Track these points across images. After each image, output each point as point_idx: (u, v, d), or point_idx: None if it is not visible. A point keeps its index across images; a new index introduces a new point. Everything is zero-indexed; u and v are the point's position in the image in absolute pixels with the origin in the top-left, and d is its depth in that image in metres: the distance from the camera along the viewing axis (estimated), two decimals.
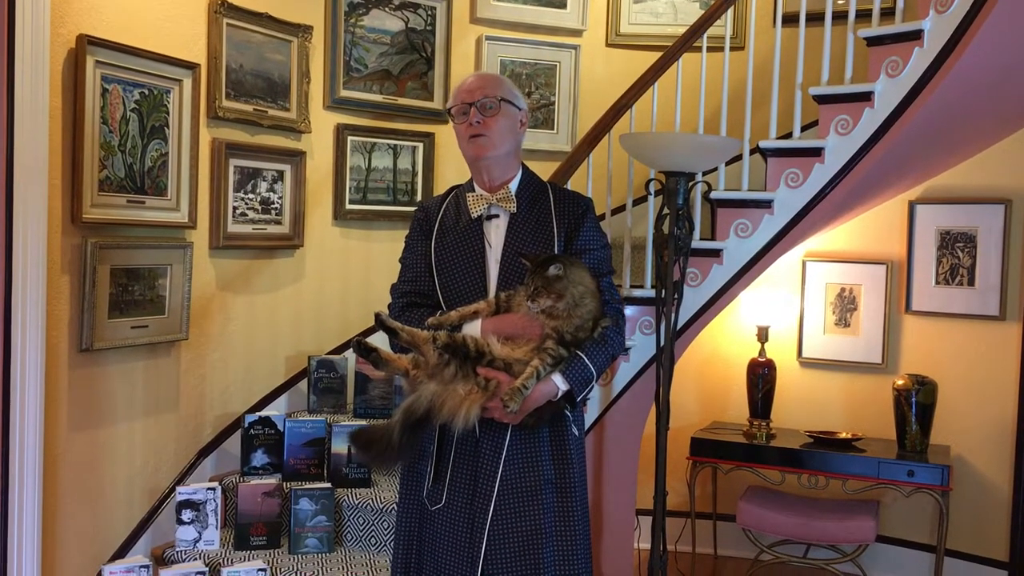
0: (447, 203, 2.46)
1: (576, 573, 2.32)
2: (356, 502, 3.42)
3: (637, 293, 3.59)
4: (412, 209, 4.31)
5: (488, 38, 4.51)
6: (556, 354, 2.19)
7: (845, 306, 4.39)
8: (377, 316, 2.24)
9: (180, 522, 3.31)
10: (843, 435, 4.16)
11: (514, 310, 2.24)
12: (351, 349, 4.09)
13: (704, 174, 3.55)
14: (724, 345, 4.57)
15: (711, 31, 3.71)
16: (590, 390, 2.31)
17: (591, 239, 2.37)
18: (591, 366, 2.24)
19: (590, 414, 3.50)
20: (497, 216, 2.37)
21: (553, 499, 2.31)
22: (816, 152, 3.47)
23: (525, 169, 2.44)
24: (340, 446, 3.53)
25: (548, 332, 2.20)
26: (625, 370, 3.55)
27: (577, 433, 2.38)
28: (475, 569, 2.25)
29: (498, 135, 2.33)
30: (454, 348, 2.17)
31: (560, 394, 2.22)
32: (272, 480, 3.44)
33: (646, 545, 4.09)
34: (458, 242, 2.37)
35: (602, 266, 2.36)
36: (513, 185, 2.38)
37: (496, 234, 2.36)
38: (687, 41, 3.66)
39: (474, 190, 2.40)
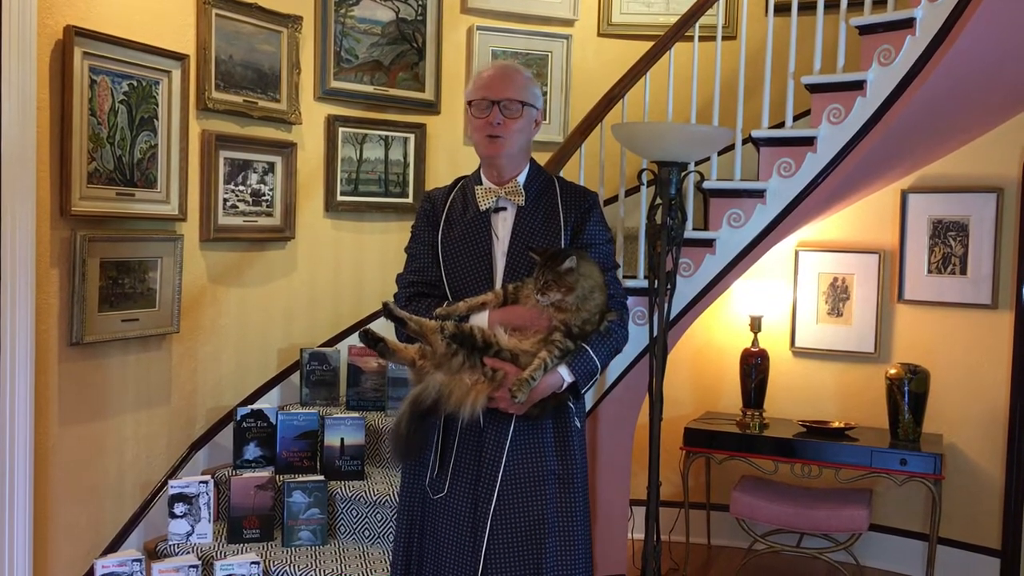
0: (454, 194, 2.47)
1: (576, 564, 2.34)
2: (349, 495, 3.41)
3: (630, 284, 3.58)
4: (404, 200, 4.31)
5: (479, 28, 4.49)
6: (563, 346, 2.22)
7: (838, 295, 4.39)
8: (385, 305, 2.26)
9: (172, 515, 3.30)
10: (836, 424, 4.16)
11: (521, 302, 2.26)
12: (347, 340, 4.10)
13: (697, 164, 3.55)
14: (717, 335, 4.57)
15: (703, 20, 3.70)
16: (594, 383, 2.34)
17: (597, 233, 2.39)
18: (596, 359, 2.27)
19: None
20: (504, 208, 2.38)
21: (556, 490, 2.32)
22: (808, 141, 3.47)
23: (533, 163, 2.45)
24: (333, 439, 3.53)
25: (556, 324, 2.22)
26: (618, 361, 3.55)
27: (579, 425, 2.41)
28: (477, 559, 2.27)
29: (514, 136, 2.33)
30: (462, 338, 2.19)
31: (565, 386, 2.25)
32: (265, 473, 3.43)
33: (640, 535, 4.09)
34: (465, 234, 2.38)
35: (607, 260, 2.39)
36: (521, 178, 2.40)
37: (503, 226, 2.37)
38: (679, 31, 3.66)
39: (482, 183, 2.41)
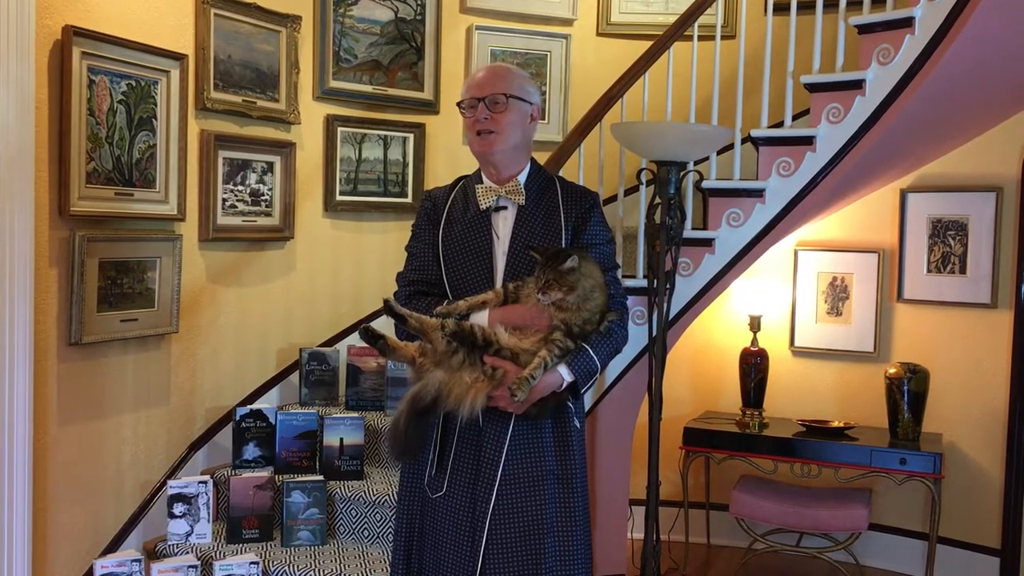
0: (455, 193, 2.47)
1: (576, 564, 2.34)
2: (348, 494, 3.41)
3: (629, 283, 3.58)
4: (403, 200, 4.31)
5: (478, 28, 4.49)
6: (563, 346, 2.22)
7: (837, 295, 4.39)
8: (386, 302, 2.26)
9: (172, 516, 3.30)
10: (835, 424, 4.16)
11: (522, 301, 2.27)
12: (346, 340, 4.10)
13: (696, 163, 3.55)
14: (716, 335, 4.57)
15: (702, 20, 3.69)
16: (593, 382, 2.34)
17: (597, 233, 2.40)
18: (596, 359, 2.28)
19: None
20: (505, 208, 2.39)
21: (555, 490, 2.33)
22: (808, 140, 3.47)
23: (533, 162, 2.46)
24: (332, 438, 3.53)
25: (556, 324, 2.23)
26: (618, 361, 3.55)
27: (579, 425, 2.41)
28: (476, 558, 2.27)
29: (505, 131, 2.34)
30: (462, 336, 2.19)
31: (564, 385, 2.26)
32: (264, 473, 3.43)
33: (639, 535, 4.09)
34: (466, 233, 2.38)
35: (608, 261, 2.40)
36: (522, 177, 2.40)
37: (504, 226, 2.38)
38: (678, 30, 3.65)
39: (483, 182, 2.41)
